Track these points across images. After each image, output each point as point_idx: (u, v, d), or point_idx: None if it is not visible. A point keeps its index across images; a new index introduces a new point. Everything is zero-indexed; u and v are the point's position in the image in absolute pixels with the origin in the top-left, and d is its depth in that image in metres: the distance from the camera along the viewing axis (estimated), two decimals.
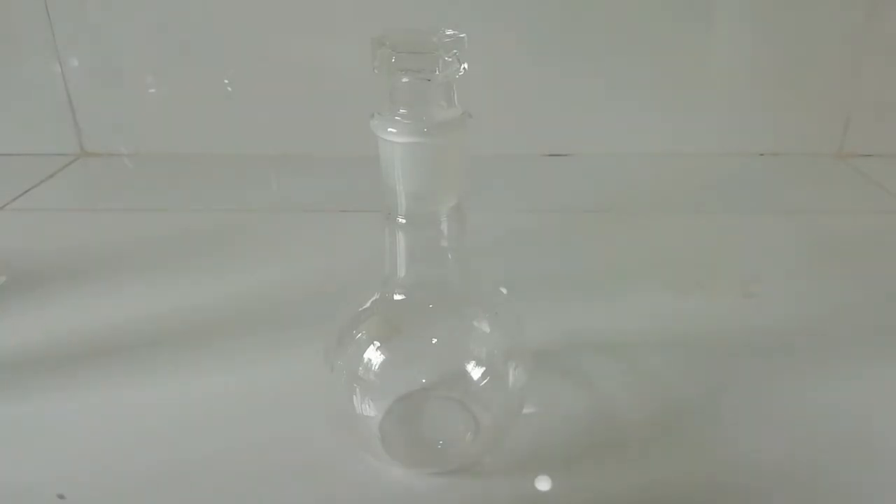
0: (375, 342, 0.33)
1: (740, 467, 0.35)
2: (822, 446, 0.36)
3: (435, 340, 0.33)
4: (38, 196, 0.70)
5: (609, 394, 0.40)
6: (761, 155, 0.77)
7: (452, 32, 0.27)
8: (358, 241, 0.56)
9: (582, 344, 0.44)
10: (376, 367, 0.32)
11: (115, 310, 0.49)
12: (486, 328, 0.34)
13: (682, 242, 0.59)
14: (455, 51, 0.27)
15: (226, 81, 0.74)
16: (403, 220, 0.30)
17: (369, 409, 0.33)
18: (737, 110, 0.75)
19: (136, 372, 0.43)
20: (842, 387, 0.41)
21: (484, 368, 0.33)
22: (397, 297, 0.32)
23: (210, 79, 0.75)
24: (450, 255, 0.32)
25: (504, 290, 0.35)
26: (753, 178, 0.73)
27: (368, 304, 0.33)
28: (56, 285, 0.52)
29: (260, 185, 0.73)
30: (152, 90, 0.75)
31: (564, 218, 0.63)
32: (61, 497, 0.34)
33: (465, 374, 0.33)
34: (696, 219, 0.63)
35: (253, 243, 0.60)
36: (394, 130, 0.28)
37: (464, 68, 0.27)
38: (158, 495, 0.34)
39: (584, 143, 0.77)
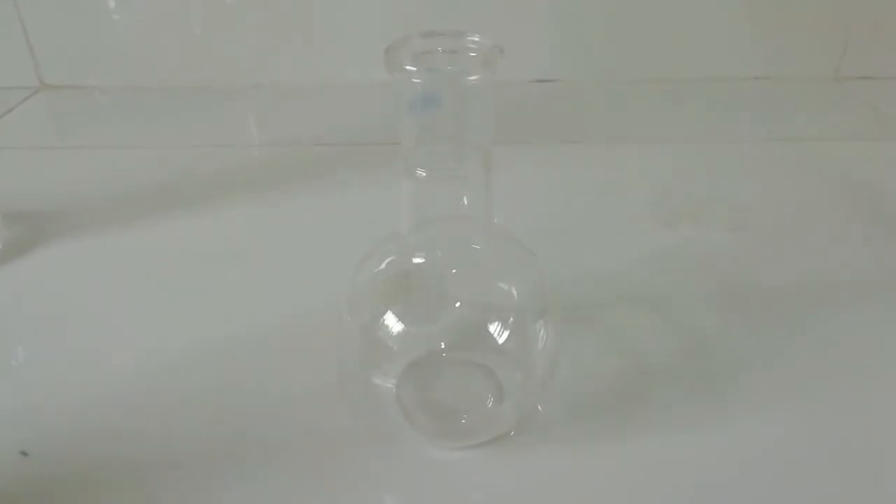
0: (391, 306, 0.30)
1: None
2: (812, 382, 0.36)
3: (458, 304, 0.31)
4: None
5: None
6: (756, 79, 0.75)
7: None
8: (344, 177, 0.54)
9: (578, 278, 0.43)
10: (392, 333, 0.30)
11: (81, 253, 0.47)
12: (511, 288, 0.32)
13: (672, 172, 0.58)
14: None
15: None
16: (423, 173, 0.28)
17: (386, 376, 0.31)
18: (729, 32, 0.72)
19: (100, 324, 0.41)
20: (837, 320, 0.40)
21: (509, 331, 0.31)
22: (416, 258, 0.30)
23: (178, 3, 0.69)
24: (473, 211, 0.29)
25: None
26: (747, 103, 0.70)
27: (384, 266, 0.31)
28: (17, 228, 0.49)
29: (236, 118, 0.69)
30: (116, 16, 0.69)
31: (552, 149, 0.61)
32: (24, 454, 0.32)
33: (489, 337, 0.31)
34: (685, 147, 0.61)
35: (234, 180, 0.57)
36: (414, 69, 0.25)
37: None
38: (136, 462, 0.32)
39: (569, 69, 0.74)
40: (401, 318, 0.30)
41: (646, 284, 0.43)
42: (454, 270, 0.31)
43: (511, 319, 0.31)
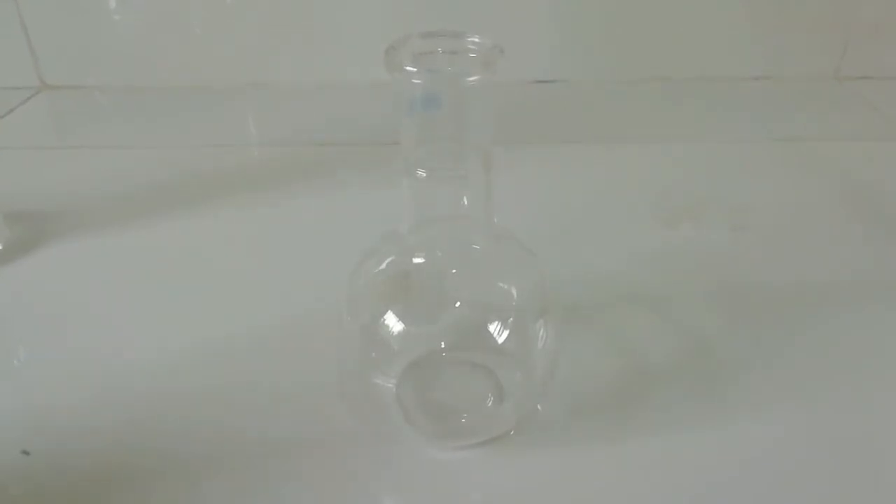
0: (391, 306, 0.30)
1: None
2: (812, 383, 0.36)
3: (458, 304, 0.31)
4: None
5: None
6: (756, 79, 0.75)
7: None
8: (344, 177, 0.54)
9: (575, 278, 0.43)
10: (392, 333, 0.30)
11: (81, 253, 0.47)
12: (511, 288, 0.32)
13: (672, 172, 0.57)
14: None
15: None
16: (423, 173, 0.28)
17: (386, 376, 0.31)
18: (729, 32, 0.72)
19: (100, 324, 0.41)
20: (837, 320, 0.40)
21: (509, 331, 0.31)
22: (416, 258, 0.30)
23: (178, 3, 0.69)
24: (473, 211, 0.29)
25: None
26: (747, 103, 0.70)
27: (384, 266, 0.31)
28: (18, 228, 0.49)
29: (236, 118, 0.69)
30: (116, 16, 0.69)
31: (552, 149, 0.61)
32: (26, 453, 0.32)
33: (489, 337, 0.31)
34: (685, 147, 0.61)
35: (234, 180, 0.57)
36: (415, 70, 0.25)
37: None
38: (136, 462, 0.32)
39: (569, 69, 0.74)
40: (401, 318, 0.30)
41: (646, 284, 0.43)
42: (454, 270, 0.31)
43: (511, 319, 0.31)
